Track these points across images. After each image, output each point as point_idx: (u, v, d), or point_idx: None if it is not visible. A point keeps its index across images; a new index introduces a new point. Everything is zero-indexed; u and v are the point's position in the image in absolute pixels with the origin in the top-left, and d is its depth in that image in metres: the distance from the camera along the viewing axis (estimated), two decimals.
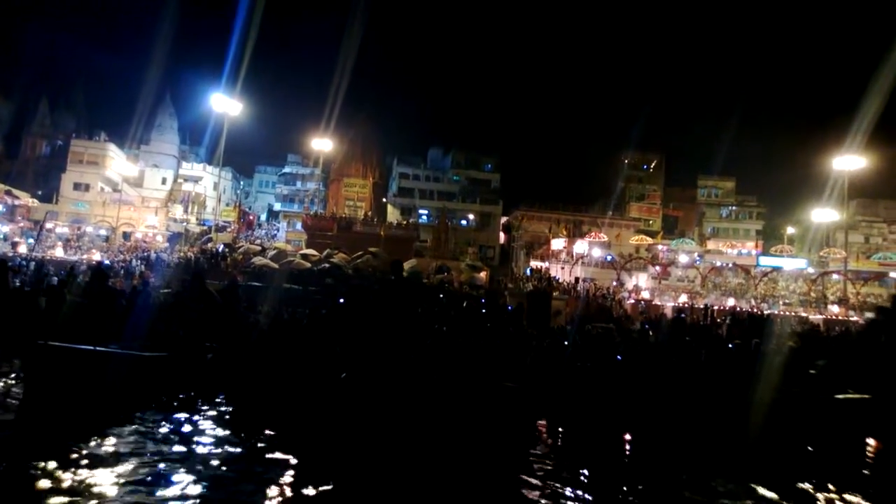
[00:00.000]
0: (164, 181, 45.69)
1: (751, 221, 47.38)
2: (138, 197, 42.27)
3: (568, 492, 4.25)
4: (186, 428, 5.04)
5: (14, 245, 27.28)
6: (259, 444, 4.77)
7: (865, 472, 5.43)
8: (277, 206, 49.94)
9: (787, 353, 7.47)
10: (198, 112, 44.77)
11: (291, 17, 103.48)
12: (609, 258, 35.22)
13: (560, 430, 6.03)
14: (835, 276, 34.88)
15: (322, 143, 40.21)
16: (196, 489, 3.76)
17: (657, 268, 36.46)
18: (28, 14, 66.64)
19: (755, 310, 24.21)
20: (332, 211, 39.02)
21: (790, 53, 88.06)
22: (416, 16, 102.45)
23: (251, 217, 46.95)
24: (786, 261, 38.78)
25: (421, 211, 43.85)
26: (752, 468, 4.87)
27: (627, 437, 5.77)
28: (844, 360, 7.22)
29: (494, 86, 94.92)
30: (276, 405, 5.87)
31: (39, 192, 39.72)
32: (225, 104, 33.33)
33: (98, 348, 5.58)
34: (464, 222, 43.43)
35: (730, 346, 8.99)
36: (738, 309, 24.03)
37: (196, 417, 5.35)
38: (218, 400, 5.95)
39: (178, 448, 4.51)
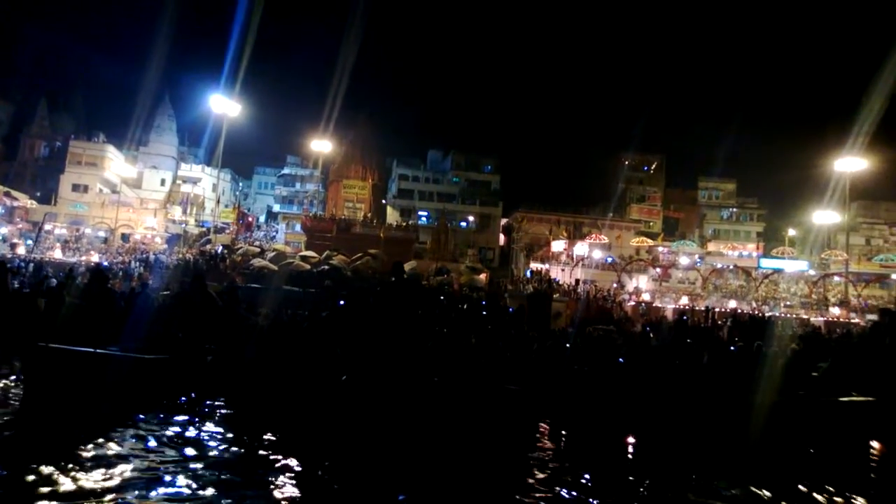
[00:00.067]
0: (162, 182, 45.64)
1: (751, 223, 47.41)
2: (137, 198, 42.22)
3: (570, 494, 4.21)
4: (186, 430, 5.01)
5: (13, 246, 27.23)
6: (260, 447, 4.74)
7: (869, 475, 5.39)
8: (276, 208, 49.92)
9: (789, 355, 7.43)
10: (197, 113, 44.84)
11: (291, 17, 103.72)
12: (609, 260, 35.19)
13: (562, 432, 6.00)
14: (836, 279, 34.89)
15: (321, 145, 40.23)
16: (196, 491, 3.73)
17: (658, 270, 36.43)
18: (27, 15, 66.73)
19: (756, 312, 24.19)
20: (332, 212, 39.00)
21: (791, 55, 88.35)
22: (416, 17, 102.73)
23: (250, 218, 46.89)
24: (787, 263, 38.79)
25: (420, 212, 43.84)
26: (755, 471, 4.84)
27: (630, 439, 5.74)
28: (847, 363, 7.18)
29: (494, 87, 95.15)
30: (277, 407, 5.83)
31: (38, 194, 39.68)
32: (224, 105, 33.32)
33: (98, 350, 5.54)
34: (463, 224, 43.41)
35: (731, 348, 8.95)
36: (740, 311, 24.00)
37: (196, 420, 5.32)
38: (218, 402, 5.92)
39: (178, 450, 4.49)
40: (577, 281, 28.19)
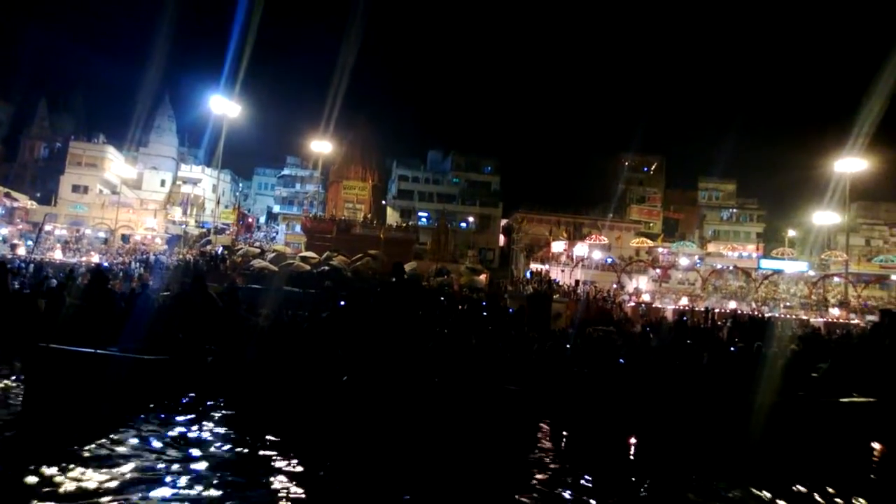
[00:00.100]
0: (162, 183, 45.67)
1: (751, 224, 47.44)
2: (137, 199, 42.26)
3: (571, 494, 4.22)
4: (187, 431, 5.01)
5: (13, 247, 27.24)
6: (260, 448, 4.73)
7: (870, 476, 5.39)
8: (276, 209, 49.96)
9: (789, 356, 7.44)
10: (197, 114, 44.85)
11: (291, 18, 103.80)
12: (609, 261, 35.20)
13: (563, 433, 6.01)
14: (836, 279, 34.92)
15: (321, 146, 40.26)
16: (197, 492, 3.74)
17: (657, 271, 36.46)
18: (27, 16, 66.77)
19: (756, 313, 24.20)
20: (332, 213, 39.03)
21: (791, 56, 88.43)
22: (416, 18, 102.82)
23: (250, 219, 46.90)
24: (787, 263, 38.83)
25: (420, 213, 43.86)
26: (755, 472, 4.84)
27: (631, 440, 5.74)
28: (847, 364, 7.18)
29: (494, 88, 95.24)
30: (278, 408, 5.84)
31: (38, 195, 39.71)
32: (224, 106, 33.35)
33: (99, 351, 5.54)
34: (463, 225, 43.43)
35: (731, 349, 8.95)
36: (739, 312, 24.01)
37: (197, 420, 5.32)
38: (218, 403, 5.92)
39: (178, 451, 4.49)
40: (577, 282, 28.20)
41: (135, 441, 4.59)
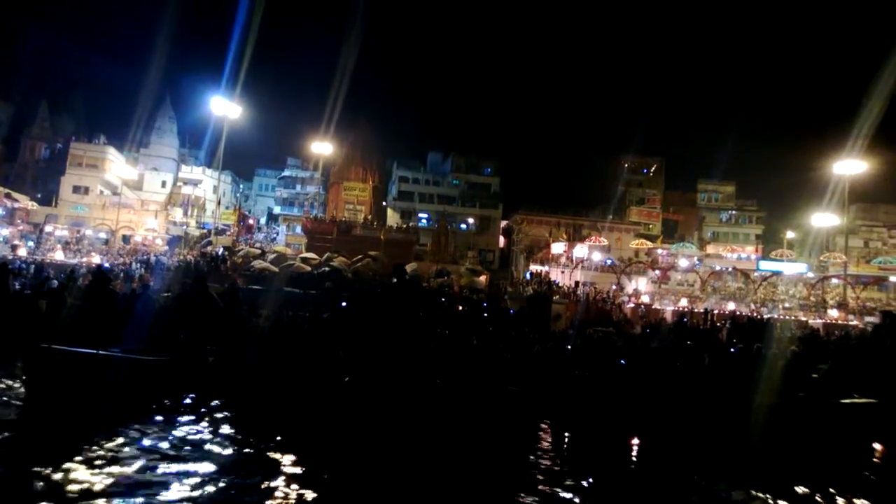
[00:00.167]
0: (163, 184, 45.73)
1: (750, 226, 47.51)
2: (138, 200, 42.31)
3: (572, 494, 4.23)
4: (188, 432, 5.02)
5: (14, 248, 27.25)
6: (262, 448, 4.75)
7: (872, 476, 5.40)
8: (277, 210, 50.01)
9: (790, 357, 7.45)
10: (197, 115, 44.89)
11: (291, 20, 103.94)
12: (609, 262, 35.24)
13: (564, 433, 6.01)
14: (834, 281, 34.95)
15: (322, 147, 40.31)
16: (198, 493, 3.75)
17: (657, 272, 36.49)
18: (28, 16, 66.86)
19: (755, 314, 24.23)
20: (332, 214, 39.06)
21: (790, 58, 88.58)
22: (416, 20, 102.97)
23: (251, 220, 46.98)
24: (786, 265, 38.85)
25: (420, 215, 43.91)
26: (756, 473, 4.85)
27: (631, 441, 5.74)
28: (847, 365, 7.20)
29: (494, 90, 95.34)
30: (279, 409, 5.85)
31: (39, 195, 39.75)
32: (224, 107, 33.40)
33: (101, 352, 5.57)
34: (463, 226, 43.48)
35: (731, 350, 8.97)
36: (739, 313, 24.04)
37: (198, 421, 5.33)
38: (220, 404, 5.92)
39: (180, 451, 4.50)
40: (577, 283, 28.21)
41: (136, 441, 4.60)
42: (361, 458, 4.73)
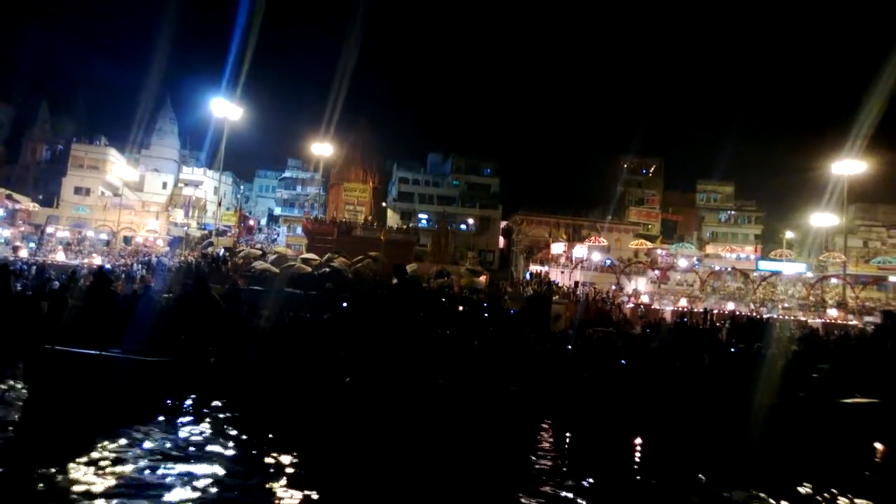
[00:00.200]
0: (164, 185, 45.81)
1: (749, 226, 47.56)
2: (139, 201, 42.40)
3: (574, 495, 4.25)
4: (190, 432, 5.05)
5: (15, 249, 27.31)
6: (263, 449, 4.77)
7: (873, 476, 5.41)
8: (278, 211, 50.07)
9: (791, 357, 7.46)
10: (198, 116, 45.06)
11: (292, 21, 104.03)
12: (608, 262, 35.27)
13: (565, 433, 6.02)
14: (834, 281, 34.98)
15: (322, 148, 40.35)
16: (200, 493, 3.77)
17: (656, 272, 36.53)
18: (28, 18, 66.98)
19: (754, 314, 24.27)
20: (333, 215, 39.11)
21: (789, 58, 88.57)
22: (416, 21, 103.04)
23: (251, 221, 47.10)
24: (785, 265, 38.87)
25: (421, 215, 43.95)
26: (758, 473, 4.86)
27: (632, 441, 5.75)
28: (849, 365, 7.23)
29: (494, 90, 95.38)
30: (280, 409, 5.89)
31: (40, 197, 39.81)
32: (225, 109, 33.46)
33: (103, 353, 5.62)
34: (463, 227, 43.52)
35: (732, 350, 8.99)
36: (738, 313, 24.08)
37: (199, 422, 5.35)
38: (221, 404, 5.95)
39: (181, 452, 4.52)
40: (577, 283, 28.26)
41: (138, 442, 4.61)
42: (363, 459, 4.75)
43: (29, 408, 5.33)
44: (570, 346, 8.55)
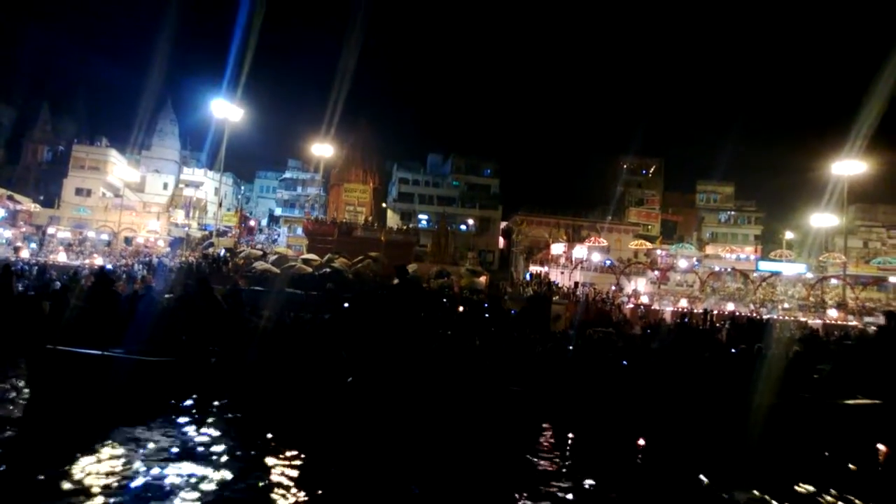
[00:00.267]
0: (165, 186, 45.86)
1: (749, 226, 47.57)
2: (140, 202, 42.47)
3: (575, 496, 4.27)
4: (191, 432, 5.06)
5: (16, 250, 27.36)
6: (264, 449, 4.78)
7: (875, 478, 5.41)
8: (278, 211, 50.10)
9: (793, 357, 7.47)
10: (199, 117, 45.04)
11: (292, 22, 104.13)
12: (608, 263, 35.29)
13: (567, 434, 6.01)
14: (833, 281, 34.97)
15: (322, 149, 40.40)
16: (200, 493, 3.79)
17: (656, 272, 36.55)
18: (29, 19, 67.07)
19: (754, 314, 24.29)
20: (333, 216, 39.15)
21: (789, 58, 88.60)
22: (417, 22, 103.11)
23: (252, 222, 47.16)
24: (785, 265, 38.88)
25: (421, 216, 43.99)
26: (760, 474, 4.87)
27: (634, 441, 5.75)
28: (851, 366, 7.23)
29: (494, 91, 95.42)
30: (282, 410, 5.90)
31: (41, 198, 39.87)
32: (226, 110, 33.50)
33: (106, 353, 5.64)
34: (463, 227, 43.55)
35: (733, 350, 8.99)
36: (738, 313, 24.09)
37: (201, 422, 5.37)
38: (222, 404, 5.96)
39: (182, 452, 4.54)
40: (577, 283, 28.28)
41: (139, 442, 4.63)
42: (364, 459, 4.76)
43: (31, 407, 5.35)
44: (570, 347, 8.55)
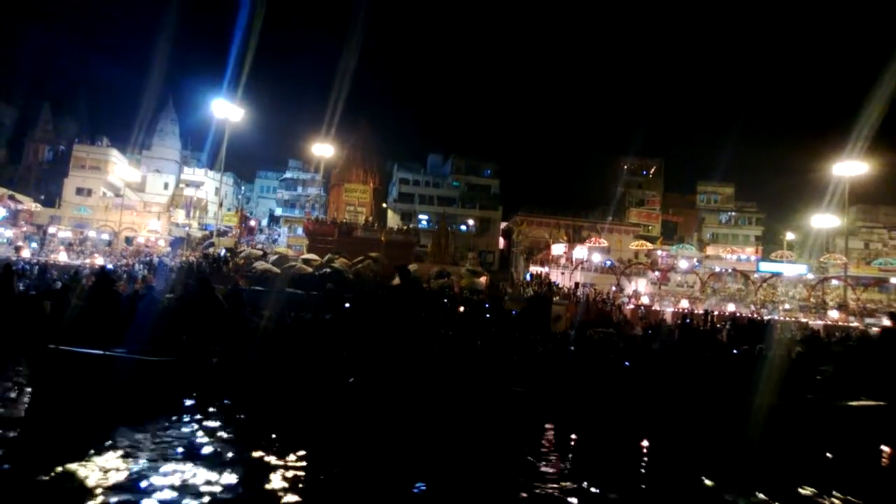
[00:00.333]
0: (165, 186, 45.89)
1: (750, 227, 47.56)
2: (140, 202, 42.49)
3: (577, 499, 4.26)
4: (192, 432, 5.06)
5: (17, 249, 27.38)
6: (266, 449, 4.77)
7: (879, 479, 5.40)
8: (279, 212, 50.12)
9: (795, 358, 7.46)
10: (199, 117, 45.14)
11: (293, 23, 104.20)
12: (609, 263, 35.29)
13: (569, 435, 6.00)
14: (834, 282, 34.95)
15: (323, 149, 40.42)
16: (201, 493, 3.79)
17: (657, 273, 36.55)
18: (30, 19, 67.14)
19: (755, 315, 24.28)
20: (333, 216, 39.16)
21: (790, 59, 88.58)
22: (417, 22, 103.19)
23: (252, 222, 47.15)
24: (786, 266, 38.86)
25: (421, 216, 44.00)
26: (763, 476, 4.86)
27: (638, 443, 5.73)
28: (854, 367, 7.22)
29: (494, 91, 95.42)
30: (283, 410, 5.90)
31: (42, 197, 39.92)
32: (226, 110, 33.52)
33: (107, 353, 5.65)
34: (463, 227, 43.56)
35: (734, 351, 8.97)
36: (739, 314, 24.08)
37: (202, 422, 5.37)
38: (224, 404, 5.96)
39: (183, 452, 4.53)
40: (577, 284, 28.26)
41: (140, 442, 4.63)
42: (365, 459, 4.76)
43: (32, 407, 5.36)
44: (571, 347, 8.55)
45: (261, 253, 26.49)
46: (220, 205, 42.32)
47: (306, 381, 6.17)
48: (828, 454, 5.58)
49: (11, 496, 3.61)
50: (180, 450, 4.58)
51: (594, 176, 47.41)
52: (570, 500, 4.22)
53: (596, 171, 47.52)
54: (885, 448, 5.99)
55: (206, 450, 4.65)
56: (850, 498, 4.52)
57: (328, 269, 22.39)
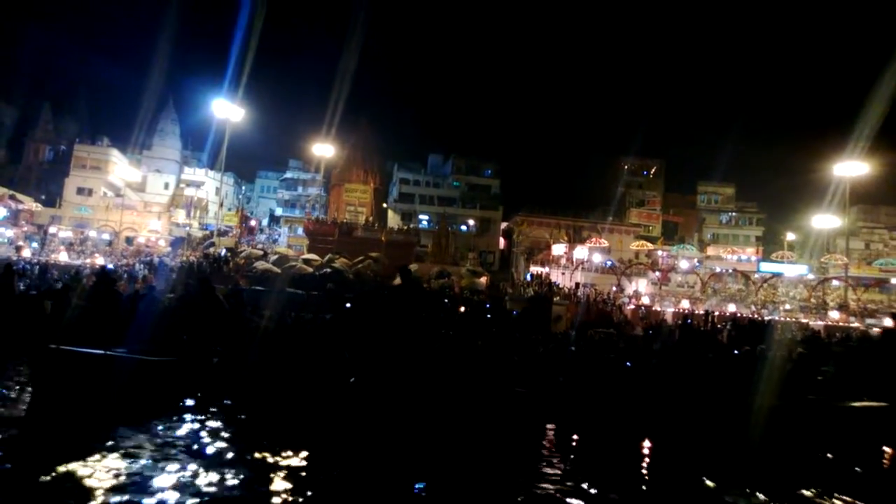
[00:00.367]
0: (166, 186, 45.91)
1: (750, 227, 47.55)
2: (141, 202, 42.52)
3: (578, 499, 4.26)
4: (193, 432, 5.07)
5: (18, 249, 27.39)
6: (266, 449, 4.77)
7: (881, 480, 5.39)
8: (279, 211, 50.13)
9: (796, 359, 7.45)
10: (200, 117, 45.12)
11: (293, 23, 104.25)
12: (609, 264, 35.28)
13: (570, 435, 6.00)
14: (835, 283, 34.93)
15: (323, 149, 40.43)
16: (202, 493, 3.79)
17: (657, 273, 36.53)
18: (30, 19, 67.20)
19: (756, 315, 24.26)
20: (334, 216, 39.16)
21: (791, 59, 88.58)
22: (418, 23, 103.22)
23: (253, 222, 47.12)
24: (786, 267, 38.84)
25: (421, 216, 44.00)
26: (765, 476, 4.85)
27: (639, 443, 5.72)
28: (853, 367, 7.22)
29: (495, 92, 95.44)
30: (284, 409, 5.90)
31: (43, 197, 39.94)
32: (227, 110, 33.53)
33: (108, 352, 5.65)
34: (464, 228, 43.55)
35: (735, 351, 8.97)
36: (739, 315, 24.07)
37: (203, 421, 5.37)
38: (224, 404, 5.96)
39: (184, 452, 4.54)
40: (577, 284, 28.24)
41: (141, 442, 4.63)
42: (367, 459, 4.76)
43: (33, 407, 5.36)
44: (572, 348, 8.55)
45: (261, 253, 26.51)
46: (221, 205, 42.29)
47: (307, 381, 6.17)
48: (829, 455, 5.58)
49: (12, 496, 3.61)
50: (181, 450, 4.58)
51: (595, 176, 47.41)
52: (571, 500, 4.21)
53: (596, 171, 47.52)
54: (886, 449, 5.99)
55: (207, 450, 4.65)
56: (851, 499, 4.52)
57: (328, 269, 22.40)
